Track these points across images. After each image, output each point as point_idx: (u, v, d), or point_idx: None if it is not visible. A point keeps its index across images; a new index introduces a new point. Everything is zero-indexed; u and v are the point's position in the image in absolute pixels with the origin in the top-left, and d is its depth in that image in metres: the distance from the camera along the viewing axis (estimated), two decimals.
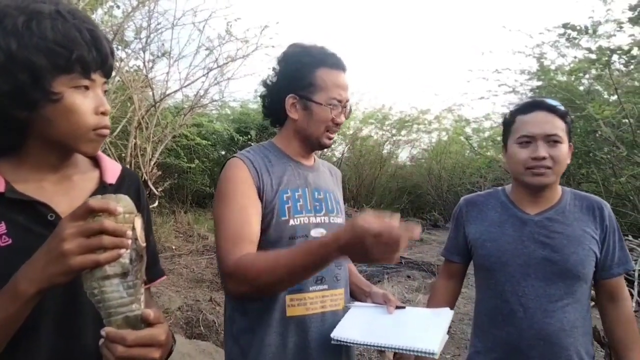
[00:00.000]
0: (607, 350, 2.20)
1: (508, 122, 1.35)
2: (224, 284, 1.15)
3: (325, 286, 1.23)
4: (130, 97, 5.92)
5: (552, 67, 8.13)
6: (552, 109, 1.29)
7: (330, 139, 1.29)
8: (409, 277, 5.72)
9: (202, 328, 3.58)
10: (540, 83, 8.32)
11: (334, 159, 12.59)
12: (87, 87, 0.81)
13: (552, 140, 1.25)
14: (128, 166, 5.91)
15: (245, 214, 1.14)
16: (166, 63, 6.24)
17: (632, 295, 4.83)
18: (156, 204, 6.26)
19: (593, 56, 6.36)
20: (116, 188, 0.91)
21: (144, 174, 6.00)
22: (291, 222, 1.20)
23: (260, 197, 1.18)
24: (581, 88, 7.74)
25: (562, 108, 1.31)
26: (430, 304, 1.51)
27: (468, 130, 12.59)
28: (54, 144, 0.83)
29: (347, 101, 1.28)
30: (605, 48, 6.27)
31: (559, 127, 1.27)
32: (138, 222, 0.70)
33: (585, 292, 1.31)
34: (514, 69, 10.53)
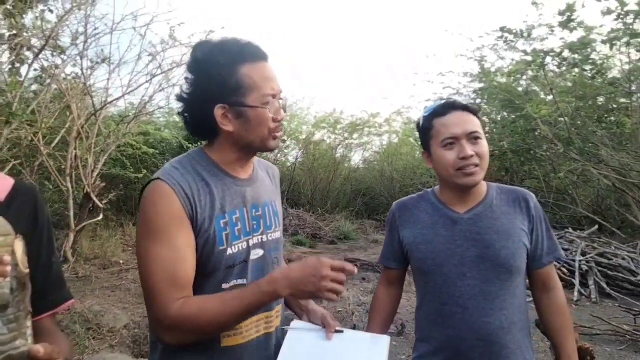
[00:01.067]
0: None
1: (426, 127, 1.34)
2: (157, 331, 1.04)
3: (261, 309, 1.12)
4: (68, 105, 5.61)
5: (492, 69, 8.49)
6: (466, 108, 1.32)
7: (275, 138, 1.13)
8: (363, 279, 5.75)
9: (150, 346, 3.40)
10: (481, 85, 8.65)
11: (288, 164, 12.54)
12: None
13: (473, 137, 1.27)
14: (68, 178, 5.61)
15: (181, 254, 1.02)
16: (106, 69, 5.97)
17: (574, 284, 5.08)
18: (101, 216, 5.95)
19: (529, 58, 6.68)
20: (6, 206, 0.80)
21: (86, 186, 5.70)
22: (229, 250, 1.08)
23: (193, 227, 1.04)
24: (520, 89, 8.12)
25: (474, 106, 1.34)
26: (372, 312, 1.49)
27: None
28: None
29: (281, 92, 1.12)
30: (539, 50, 6.61)
31: (476, 123, 1.30)
32: (18, 245, 0.62)
33: (521, 286, 1.33)
34: (457, 72, 10.88)
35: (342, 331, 1.21)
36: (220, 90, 1.06)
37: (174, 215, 1.02)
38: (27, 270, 0.63)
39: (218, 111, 1.07)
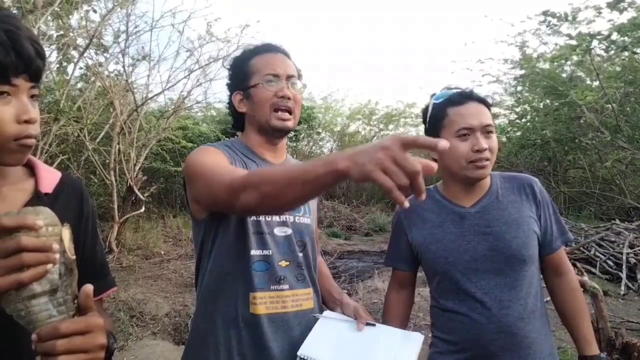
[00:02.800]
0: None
1: (438, 116, 1.30)
2: (226, 200, 1.00)
3: (287, 286, 1.18)
4: (111, 102, 5.83)
5: (535, 55, 8.16)
6: (482, 100, 1.28)
7: (280, 119, 1.22)
8: None
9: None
10: (523, 71, 8.35)
11: (323, 156, 12.57)
12: (7, 94, 0.74)
13: (487, 131, 1.24)
14: (112, 172, 5.84)
15: (225, 162, 1.14)
16: (146, 66, 6.17)
17: (621, 278, 4.87)
18: (143, 209, 6.17)
19: (574, 42, 6.38)
20: (54, 197, 0.86)
21: (129, 180, 5.92)
22: (254, 217, 1.16)
23: None
24: (564, 75, 7.79)
25: (489, 99, 1.32)
26: (386, 318, 1.45)
27: None
28: None
29: (291, 76, 1.24)
30: (585, 34, 6.31)
31: (490, 117, 1.27)
32: (66, 234, 0.66)
33: (535, 274, 1.30)
34: (497, 59, 10.51)
35: (374, 325, 1.21)
36: (237, 81, 1.28)
37: (219, 158, 1.15)
38: (74, 257, 0.68)
39: (236, 97, 1.28)
